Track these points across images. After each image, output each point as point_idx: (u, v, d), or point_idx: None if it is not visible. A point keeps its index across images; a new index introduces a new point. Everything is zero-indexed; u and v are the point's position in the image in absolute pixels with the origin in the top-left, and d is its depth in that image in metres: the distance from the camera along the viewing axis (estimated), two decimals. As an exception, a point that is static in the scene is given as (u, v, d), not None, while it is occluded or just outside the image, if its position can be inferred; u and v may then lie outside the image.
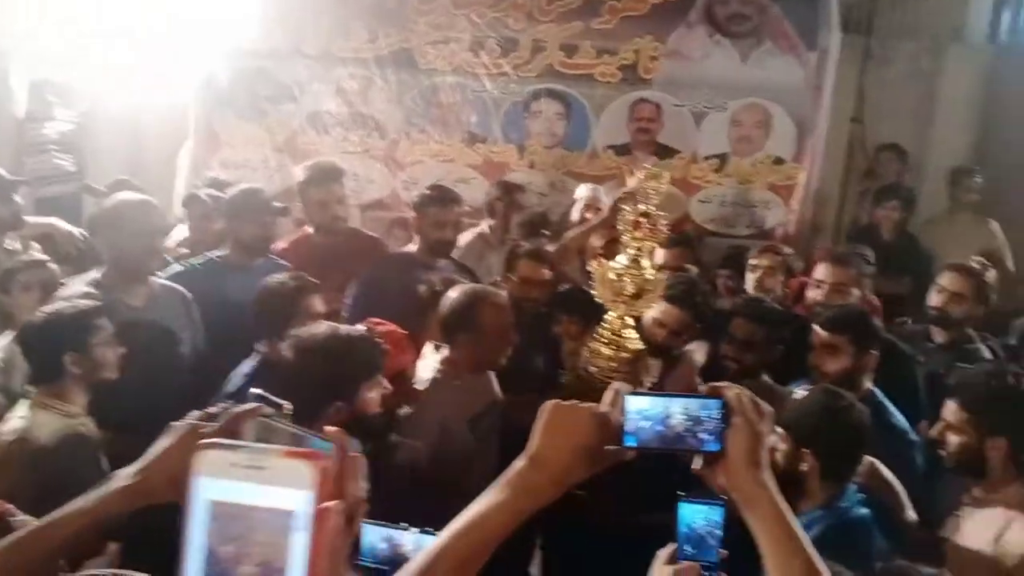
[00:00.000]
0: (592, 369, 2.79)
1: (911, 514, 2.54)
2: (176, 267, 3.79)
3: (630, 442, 1.25)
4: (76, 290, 3.07)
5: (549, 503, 1.22)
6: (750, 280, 3.90)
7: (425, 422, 2.86)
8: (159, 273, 3.63)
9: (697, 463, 1.27)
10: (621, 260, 2.76)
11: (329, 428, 1.15)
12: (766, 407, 1.28)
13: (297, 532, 0.76)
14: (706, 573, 1.53)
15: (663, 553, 1.51)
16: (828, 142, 5.43)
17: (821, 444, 2.37)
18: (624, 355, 2.77)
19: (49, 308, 2.64)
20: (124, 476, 1.26)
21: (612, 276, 2.73)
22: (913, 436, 2.72)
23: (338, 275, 3.99)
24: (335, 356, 2.28)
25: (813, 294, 3.51)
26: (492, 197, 4.81)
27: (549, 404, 1.27)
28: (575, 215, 4.77)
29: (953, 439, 2.45)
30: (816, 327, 2.91)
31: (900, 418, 2.77)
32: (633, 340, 2.81)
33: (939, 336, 3.66)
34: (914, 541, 2.41)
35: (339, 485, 1.07)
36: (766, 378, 3.10)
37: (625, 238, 2.78)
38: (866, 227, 5.43)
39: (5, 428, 2.49)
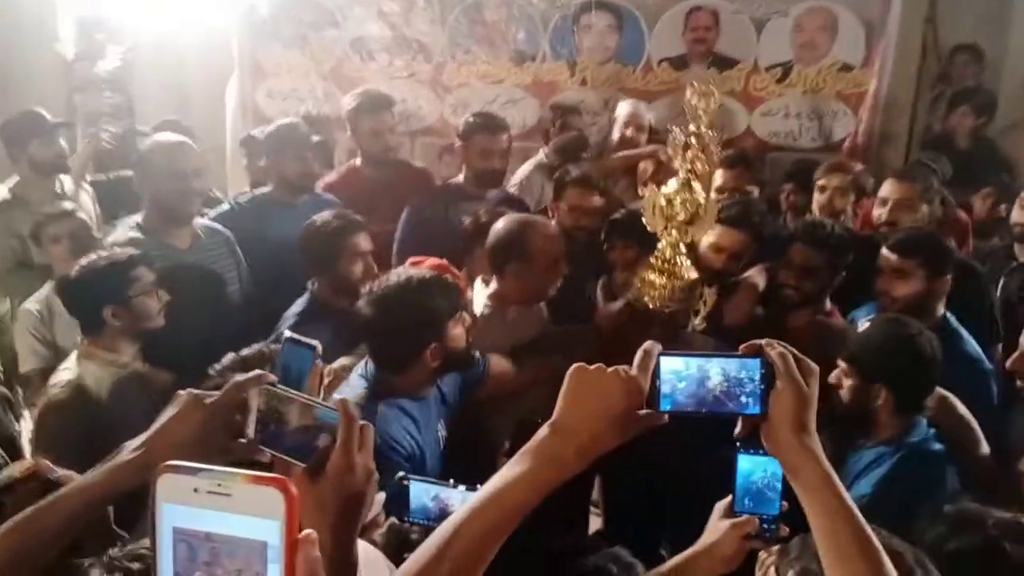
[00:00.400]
0: (645, 300, 2.68)
1: (985, 449, 2.41)
2: (224, 206, 3.78)
3: (664, 406, 1.17)
4: (120, 235, 3.07)
5: (576, 473, 1.15)
6: (818, 201, 3.69)
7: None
8: (208, 211, 3.63)
9: (738, 427, 1.19)
10: (672, 185, 2.62)
11: (336, 397, 1.11)
12: (812, 365, 1.18)
13: (271, 564, 0.69)
14: (765, 526, 1.46)
15: (720, 505, 1.45)
16: (899, 45, 5.03)
17: (892, 376, 2.28)
18: (677, 284, 2.64)
19: (85, 260, 2.62)
20: (129, 449, 1.23)
21: (663, 202, 2.59)
22: (987, 365, 2.57)
23: (387, 208, 3.97)
24: (414, 302, 2.28)
25: (878, 212, 3.30)
26: (546, 121, 4.65)
27: (574, 369, 1.19)
28: (615, 134, 4.59)
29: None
30: (885, 250, 2.74)
31: (974, 346, 2.61)
32: (687, 268, 2.68)
33: (1022, 254, 3.45)
34: (988, 479, 2.28)
35: (347, 456, 1.06)
36: (827, 307, 2.94)
37: (676, 161, 2.63)
38: (940, 135, 5.14)
39: (54, 380, 2.52)
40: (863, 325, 2.40)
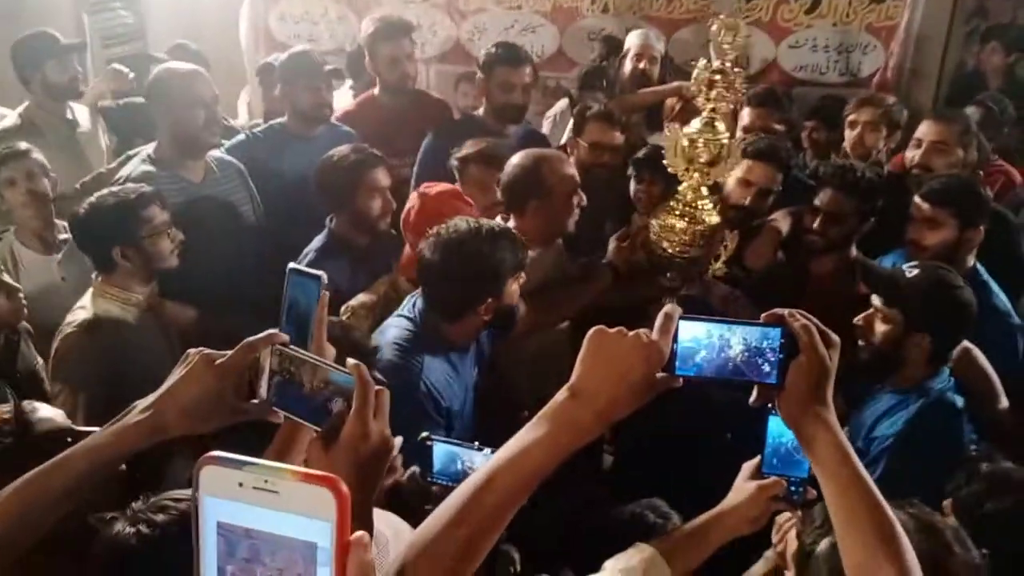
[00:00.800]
0: (664, 244, 2.63)
1: (1004, 403, 2.40)
2: (240, 136, 3.71)
3: (682, 371, 1.16)
4: (132, 168, 3.00)
5: (595, 437, 1.14)
6: (848, 138, 3.57)
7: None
8: (223, 142, 3.56)
9: (754, 395, 1.18)
10: (695, 124, 2.55)
11: (351, 362, 1.08)
12: (834, 337, 1.17)
13: (321, 567, 0.67)
14: (792, 488, 1.45)
15: (748, 466, 1.44)
16: (935, -26, 4.86)
17: (937, 325, 2.26)
18: (699, 228, 2.59)
19: (93, 198, 2.56)
20: (138, 410, 1.21)
21: (685, 142, 2.52)
22: (1016, 320, 2.52)
23: (404, 139, 3.90)
24: (481, 255, 2.23)
25: (911, 154, 3.18)
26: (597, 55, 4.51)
27: (593, 332, 1.17)
28: (627, 67, 4.42)
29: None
30: (917, 198, 2.66)
31: (1004, 299, 2.57)
32: (708, 212, 2.62)
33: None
34: (1006, 433, 2.27)
35: (363, 423, 1.04)
36: (852, 253, 2.89)
37: (699, 99, 2.55)
38: (971, 73, 4.98)
39: (70, 318, 2.50)
40: (911, 271, 2.32)
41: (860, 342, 2.38)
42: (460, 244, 2.23)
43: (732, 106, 2.62)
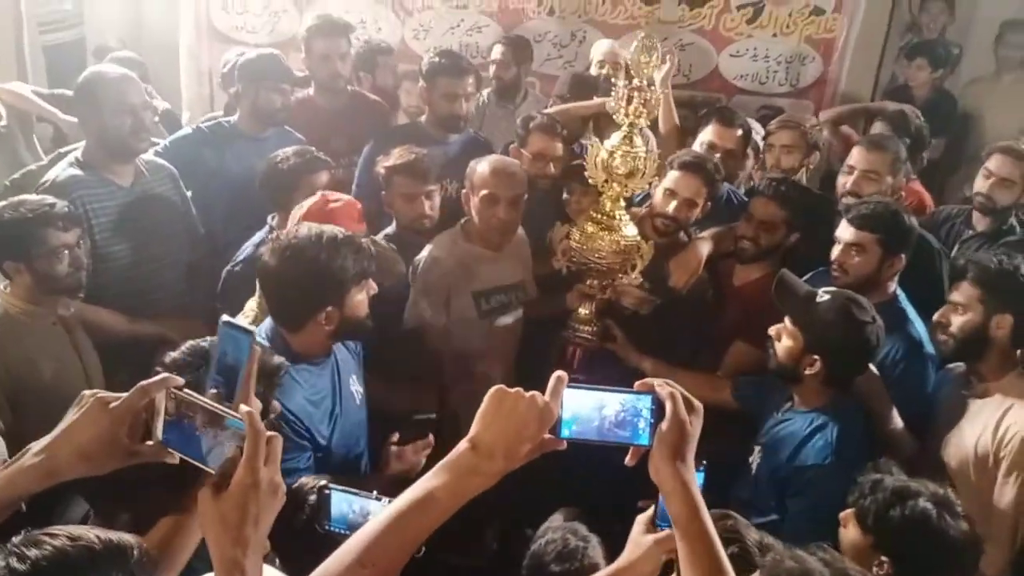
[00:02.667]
0: (584, 253, 2.71)
1: (897, 424, 2.50)
2: (186, 129, 3.65)
3: (564, 432, 1.28)
4: (59, 172, 2.94)
5: (490, 486, 1.24)
6: (768, 160, 3.66)
7: (435, 293, 2.93)
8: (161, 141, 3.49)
9: (629, 456, 1.32)
10: (614, 138, 2.63)
11: (243, 408, 1.10)
12: (697, 404, 1.31)
13: None
14: None
15: (642, 519, 1.50)
16: (871, -9, 4.97)
17: (831, 352, 2.34)
18: (615, 238, 2.68)
19: (2, 205, 2.49)
20: (31, 453, 1.20)
21: (604, 155, 2.61)
22: (929, 349, 2.60)
23: (341, 139, 3.89)
24: (320, 262, 2.14)
25: (843, 180, 3.25)
26: (499, 56, 4.50)
27: (495, 390, 1.27)
28: (593, 72, 4.47)
29: (957, 319, 2.45)
30: (844, 222, 2.73)
31: (919, 328, 2.64)
32: (626, 222, 2.72)
33: (980, 223, 3.47)
34: (905, 457, 2.35)
35: (253, 472, 1.07)
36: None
37: (618, 115, 2.63)
38: (899, 87, 5.11)
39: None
40: (822, 296, 2.40)
41: (769, 351, 2.47)
42: (298, 250, 2.15)
43: (649, 122, 2.67)
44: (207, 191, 3.45)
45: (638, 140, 2.60)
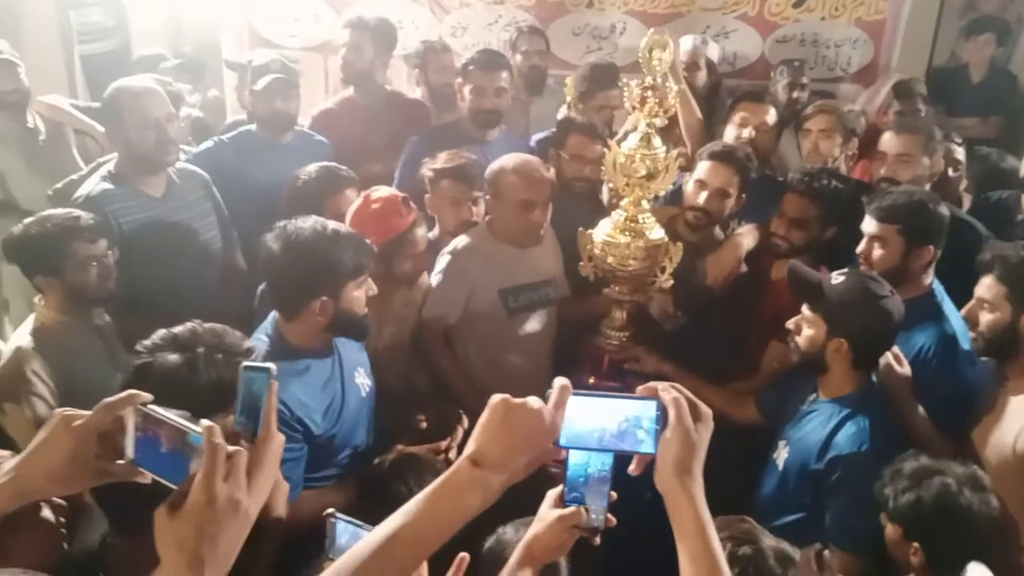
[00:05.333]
0: (610, 260, 2.63)
1: (923, 423, 2.38)
2: (209, 143, 3.69)
3: (566, 442, 1.23)
4: (91, 186, 2.97)
5: (491, 504, 1.17)
6: (805, 145, 3.54)
7: (454, 287, 2.89)
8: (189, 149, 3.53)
9: (632, 464, 1.25)
10: (631, 140, 2.55)
11: (204, 423, 1.07)
12: (704, 410, 1.24)
13: None
14: (593, 516, 1.39)
15: (552, 494, 1.44)
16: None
17: (855, 333, 2.28)
18: (640, 242, 2.60)
19: (30, 219, 2.53)
20: (2, 473, 1.18)
21: (622, 159, 2.53)
22: (967, 346, 2.47)
23: (380, 139, 3.89)
24: (319, 251, 2.20)
25: (876, 166, 3.14)
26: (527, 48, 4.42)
27: (498, 401, 1.20)
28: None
29: (986, 316, 2.34)
30: (867, 214, 2.61)
31: (956, 323, 2.51)
32: (649, 226, 2.63)
33: (1030, 208, 3.31)
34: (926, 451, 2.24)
35: (208, 489, 1.02)
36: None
37: (633, 116, 2.55)
38: (955, 67, 4.91)
39: (12, 341, 2.51)
40: (837, 278, 2.32)
41: (791, 344, 2.40)
42: (300, 238, 2.21)
43: (666, 121, 2.59)
44: (234, 202, 3.44)
45: (656, 141, 2.52)
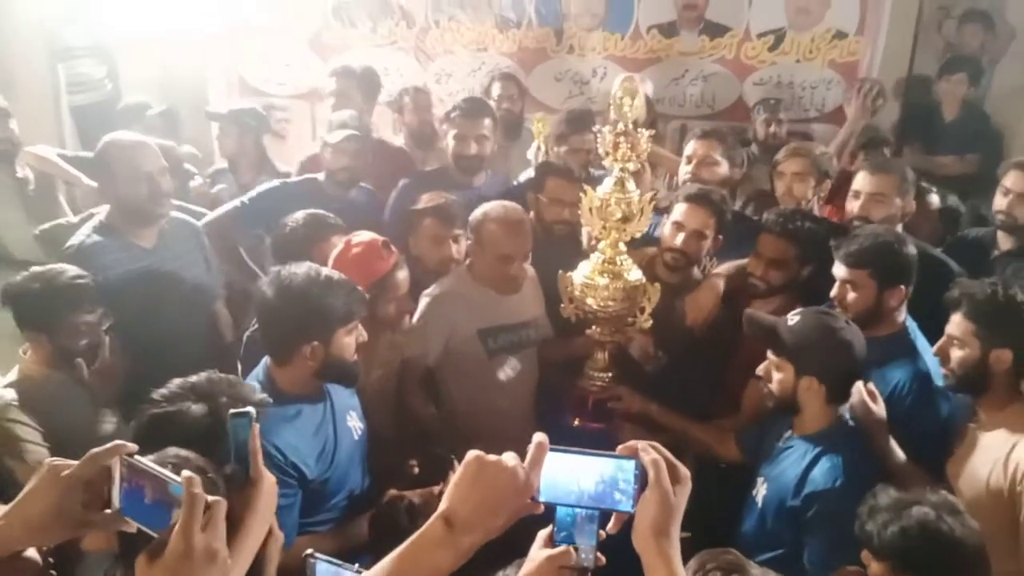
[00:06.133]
0: (589, 302, 2.68)
1: (899, 457, 2.41)
2: (275, 182, 3.74)
3: (543, 497, 1.22)
4: (82, 237, 3.00)
5: (462, 564, 1.18)
6: (778, 188, 3.61)
7: (433, 328, 2.92)
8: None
9: (611, 523, 1.25)
10: (606, 184, 2.62)
11: (185, 474, 1.10)
12: (683, 472, 1.23)
13: None
14: (583, 555, 1.41)
15: (543, 535, 1.43)
16: (894, 11, 4.91)
17: (822, 369, 2.32)
18: (618, 284, 2.66)
19: (37, 272, 2.55)
20: None
21: (597, 203, 2.60)
22: (939, 382, 2.51)
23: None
24: (311, 297, 2.24)
25: (851, 205, 3.20)
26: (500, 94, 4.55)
27: (472, 458, 1.20)
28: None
29: (956, 353, 2.38)
30: (836, 260, 2.67)
31: (929, 360, 2.55)
32: (628, 268, 2.69)
33: (1005, 242, 3.38)
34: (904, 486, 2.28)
35: (186, 538, 1.05)
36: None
37: (607, 161, 2.61)
38: (928, 106, 5.02)
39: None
40: (792, 319, 2.37)
41: (764, 390, 2.44)
42: (293, 284, 2.24)
43: (639, 165, 2.66)
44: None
45: (630, 185, 2.59)
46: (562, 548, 1.35)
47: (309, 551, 1.67)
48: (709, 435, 2.68)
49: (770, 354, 2.42)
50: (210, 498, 1.09)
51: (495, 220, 2.89)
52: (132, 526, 1.16)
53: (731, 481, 2.60)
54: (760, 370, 2.44)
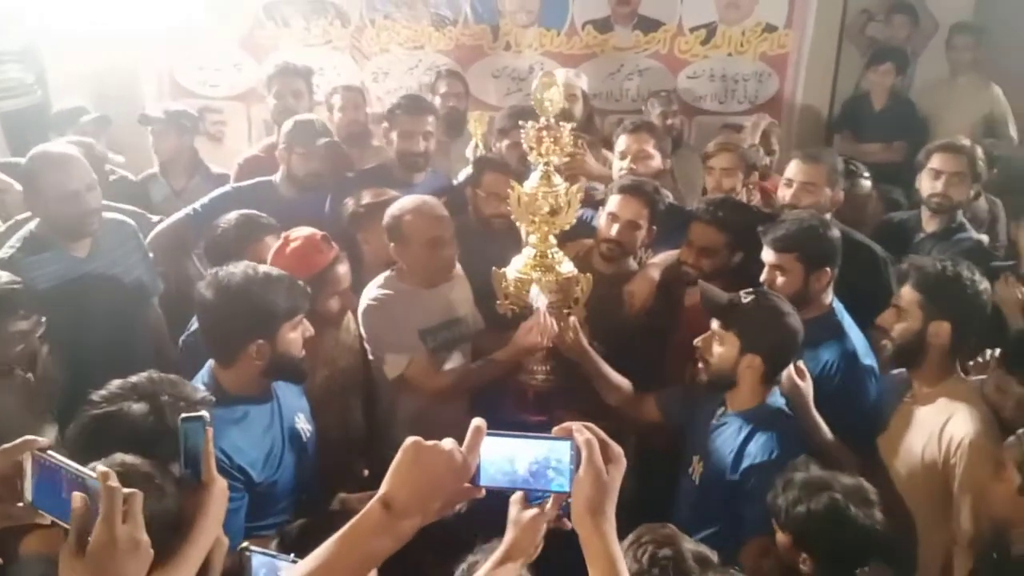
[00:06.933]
0: (522, 295, 2.71)
1: (826, 435, 2.49)
2: (227, 188, 3.69)
3: (481, 480, 1.25)
4: (13, 246, 2.93)
5: (399, 548, 1.19)
6: (708, 182, 3.70)
7: (382, 322, 2.87)
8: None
9: (548, 503, 1.30)
10: (532, 179, 2.64)
11: (100, 468, 1.13)
12: (615, 450, 1.27)
13: None
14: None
15: (516, 499, 1.47)
16: (821, 4, 5.04)
17: (767, 348, 2.39)
18: (552, 278, 2.69)
19: None
20: None
21: (525, 197, 2.62)
22: (867, 362, 2.61)
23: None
24: (252, 295, 2.22)
25: (782, 193, 3.30)
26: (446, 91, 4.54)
27: (410, 444, 1.22)
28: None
29: (898, 326, 2.45)
30: (765, 245, 2.75)
31: (854, 341, 2.65)
32: (559, 260, 2.72)
33: (930, 224, 3.49)
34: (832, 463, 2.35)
35: (109, 530, 1.08)
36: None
37: (532, 155, 2.64)
38: (859, 96, 5.17)
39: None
40: (745, 297, 2.43)
41: (700, 364, 2.49)
42: (231, 284, 2.23)
43: (563, 158, 2.69)
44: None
45: (556, 178, 2.62)
46: (541, 504, 1.37)
47: (244, 544, 1.67)
48: (627, 392, 2.74)
49: (715, 326, 2.46)
50: (127, 491, 1.11)
51: (411, 211, 2.86)
52: (46, 518, 1.19)
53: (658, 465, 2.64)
54: (698, 341, 2.48)
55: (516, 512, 1.44)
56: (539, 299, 2.62)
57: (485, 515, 1.51)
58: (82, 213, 2.95)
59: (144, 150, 4.71)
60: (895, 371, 2.62)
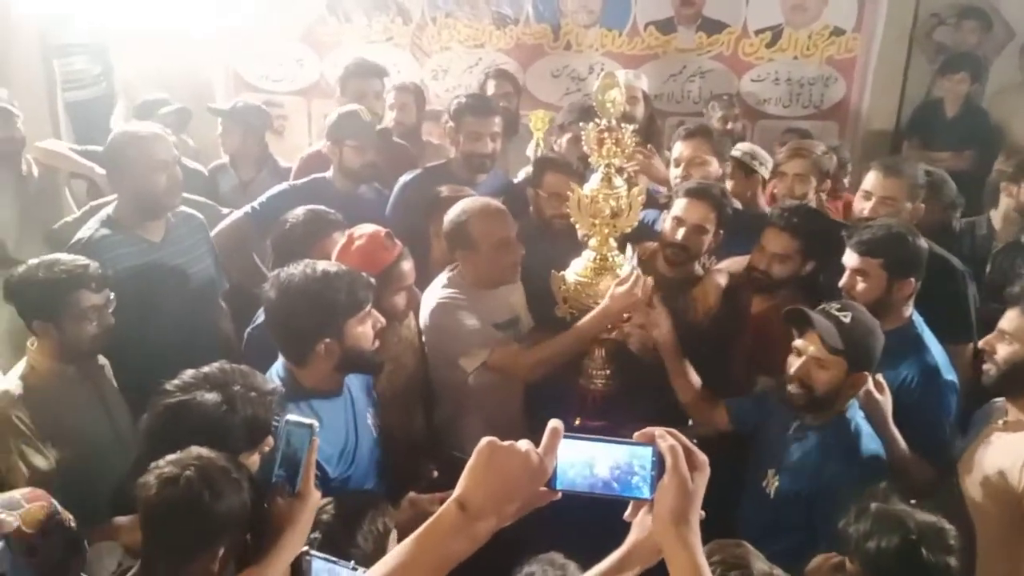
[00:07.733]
0: (582, 298, 2.67)
1: (903, 449, 2.42)
2: (284, 186, 3.66)
3: (559, 484, 1.20)
4: (91, 231, 2.95)
5: (475, 550, 1.16)
6: (780, 187, 3.60)
7: (449, 333, 2.82)
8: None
9: (628, 510, 1.25)
10: (593, 181, 2.60)
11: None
12: (700, 458, 1.21)
13: None
14: None
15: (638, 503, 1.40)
16: (891, 8, 4.92)
17: (872, 365, 2.33)
18: (612, 281, 2.63)
19: (36, 263, 2.48)
20: None
21: (586, 200, 2.58)
22: (947, 377, 2.51)
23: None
24: (312, 293, 2.20)
25: (860, 206, 3.18)
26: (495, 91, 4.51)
27: (485, 444, 1.18)
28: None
29: (1005, 349, 2.30)
30: (848, 248, 2.66)
31: (935, 356, 2.56)
32: (620, 264, 2.67)
33: (1004, 233, 3.38)
34: (907, 477, 2.29)
35: None
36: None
37: (593, 157, 2.59)
38: (931, 101, 5.02)
39: (3, 381, 2.49)
40: (844, 315, 2.32)
41: (797, 391, 2.37)
42: (291, 284, 2.21)
43: (626, 160, 2.66)
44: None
45: (618, 180, 2.57)
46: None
47: (304, 548, 1.65)
48: (701, 394, 2.68)
49: (815, 351, 2.33)
50: None
51: (477, 213, 2.82)
52: None
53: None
54: (796, 369, 2.36)
55: (642, 515, 1.40)
56: (633, 258, 2.59)
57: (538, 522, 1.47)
58: (168, 185, 2.97)
59: (211, 143, 4.81)
60: (995, 400, 2.46)
